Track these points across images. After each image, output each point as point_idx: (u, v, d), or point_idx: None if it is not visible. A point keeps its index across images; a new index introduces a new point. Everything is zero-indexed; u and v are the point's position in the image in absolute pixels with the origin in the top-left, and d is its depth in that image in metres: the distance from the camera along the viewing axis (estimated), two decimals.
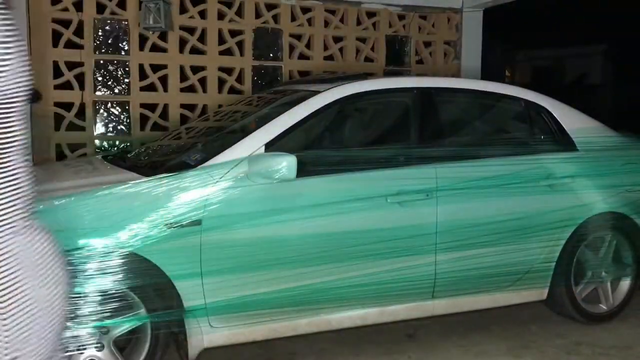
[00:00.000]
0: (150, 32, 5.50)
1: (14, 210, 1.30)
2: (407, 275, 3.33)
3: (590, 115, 4.08)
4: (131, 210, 2.81)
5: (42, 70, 5.20)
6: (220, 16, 5.80)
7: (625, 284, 4.00)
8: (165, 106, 5.68)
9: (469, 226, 3.43)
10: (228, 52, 5.88)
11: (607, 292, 3.96)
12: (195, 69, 5.76)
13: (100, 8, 5.40)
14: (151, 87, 5.63)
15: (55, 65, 5.28)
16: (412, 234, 3.31)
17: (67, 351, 2.76)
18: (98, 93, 5.47)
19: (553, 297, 3.78)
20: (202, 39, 5.75)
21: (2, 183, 1.28)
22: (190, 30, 5.71)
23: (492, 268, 3.52)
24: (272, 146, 3.10)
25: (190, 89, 5.75)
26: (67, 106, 5.37)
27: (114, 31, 5.47)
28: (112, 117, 5.54)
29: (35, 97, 4.66)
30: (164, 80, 5.65)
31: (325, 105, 3.31)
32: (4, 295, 1.27)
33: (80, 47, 5.32)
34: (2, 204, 1.28)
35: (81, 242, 2.73)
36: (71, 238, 2.72)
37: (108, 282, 2.76)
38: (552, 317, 4.00)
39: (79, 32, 5.30)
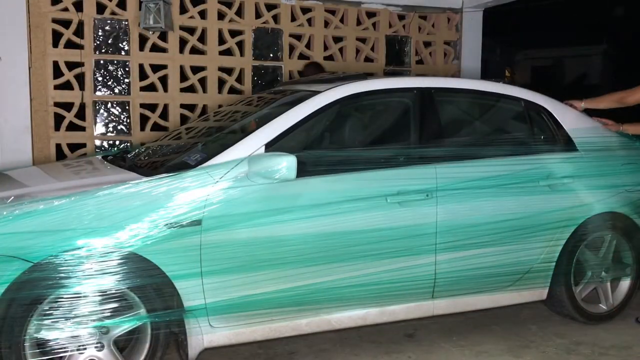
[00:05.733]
0: (150, 32, 5.51)
1: None
2: (407, 275, 3.33)
3: (590, 115, 4.08)
4: (131, 210, 2.81)
5: (42, 70, 5.21)
6: (220, 16, 5.81)
7: (625, 284, 4.00)
8: (165, 106, 5.69)
9: (468, 226, 3.43)
10: (228, 52, 5.89)
11: (607, 292, 3.97)
12: (195, 69, 5.76)
13: (100, 8, 5.41)
14: (151, 87, 5.63)
15: (55, 65, 5.29)
16: (412, 234, 3.31)
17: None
18: (98, 93, 5.47)
19: (553, 297, 3.78)
20: (202, 39, 5.76)
21: None
22: (190, 30, 5.72)
23: (492, 268, 3.52)
24: (272, 146, 3.10)
25: (190, 89, 5.76)
26: (67, 106, 5.37)
27: (114, 31, 5.48)
28: (112, 117, 5.54)
29: None
30: (164, 80, 5.66)
31: (325, 105, 3.31)
32: None
33: (80, 47, 5.32)
34: None
35: (81, 242, 2.73)
36: (71, 238, 2.72)
37: (108, 282, 2.76)
38: (552, 317, 4.00)
39: (79, 32, 5.31)
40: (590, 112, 4.08)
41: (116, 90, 5.53)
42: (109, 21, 5.44)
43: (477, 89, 3.84)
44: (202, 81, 5.78)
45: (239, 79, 5.95)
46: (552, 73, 20.28)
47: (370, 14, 6.42)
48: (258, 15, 5.95)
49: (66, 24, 5.31)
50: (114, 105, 5.54)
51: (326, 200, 3.13)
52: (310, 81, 3.88)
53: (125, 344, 2.98)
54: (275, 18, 6.02)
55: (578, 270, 3.86)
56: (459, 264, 3.43)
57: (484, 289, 3.57)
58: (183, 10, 5.67)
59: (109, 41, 5.48)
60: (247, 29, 5.90)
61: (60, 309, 2.72)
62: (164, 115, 5.69)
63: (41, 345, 2.75)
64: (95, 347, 2.83)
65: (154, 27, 5.32)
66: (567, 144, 3.83)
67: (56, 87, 5.32)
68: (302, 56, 6.17)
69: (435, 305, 3.48)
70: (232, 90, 5.90)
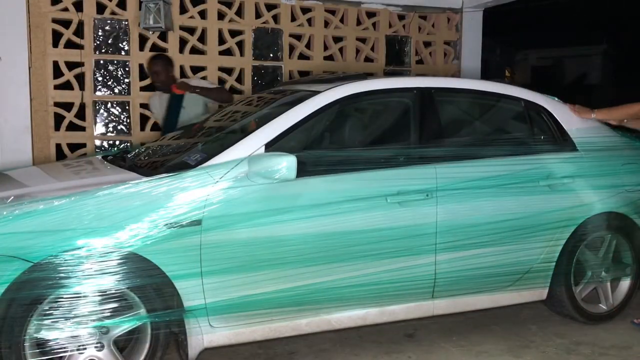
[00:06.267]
0: (150, 32, 5.51)
1: None
2: (407, 275, 3.33)
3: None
4: (131, 210, 2.81)
5: (42, 70, 5.21)
6: (220, 16, 5.81)
7: (625, 284, 4.00)
8: None
9: (468, 226, 3.43)
10: (228, 52, 5.89)
11: (607, 292, 3.97)
12: (195, 69, 5.76)
13: (100, 8, 5.41)
14: (151, 87, 5.63)
15: (55, 65, 5.29)
16: (412, 234, 3.31)
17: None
18: (98, 93, 5.47)
19: (553, 297, 3.78)
20: (202, 39, 5.75)
21: None
22: (190, 30, 5.72)
23: (492, 268, 3.52)
24: (272, 146, 3.11)
25: None
26: (67, 106, 5.37)
27: (114, 31, 5.48)
28: (112, 117, 5.54)
29: None
30: None
31: (325, 105, 3.31)
32: None
33: (80, 47, 5.32)
34: None
35: (81, 242, 2.73)
36: (71, 238, 2.72)
37: (108, 282, 2.76)
38: (552, 317, 4.00)
39: (79, 32, 5.31)
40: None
41: (116, 90, 5.53)
42: (109, 21, 5.44)
43: (477, 89, 3.84)
44: None
45: (239, 79, 5.95)
46: (552, 73, 20.29)
47: (370, 14, 6.42)
48: (258, 15, 5.96)
49: (66, 24, 5.31)
50: (114, 105, 5.54)
51: (326, 200, 3.13)
52: (310, 81, 3.89)
53: (125, 344, 2.98)
54: (275, 18, 6.02)
55: (578, 270, 3.85)
56: (459, 264, 3.43)
57: (483, 289, 3.57)
58: (183, 10, 5.67)
59: (109, 41, 5.48)
60: (247, 29, 5.90)
61: (60, 309, 2.73)
62: None
63: (41, 345, 2.75)
64: (95, 347, 2.83)
65: (154, 27, 5.32)
66: (567, 144, 3.83)
67: (56, 87, 5.32)
68: (302, 56, 6.17)
69: (435, 305, 3.48)
70: (232, 90, 5.89)
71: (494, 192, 3.49)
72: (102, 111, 5.51)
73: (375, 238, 3.22)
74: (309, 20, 6.17)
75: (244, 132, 3.25)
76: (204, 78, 5.66)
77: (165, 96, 5.03)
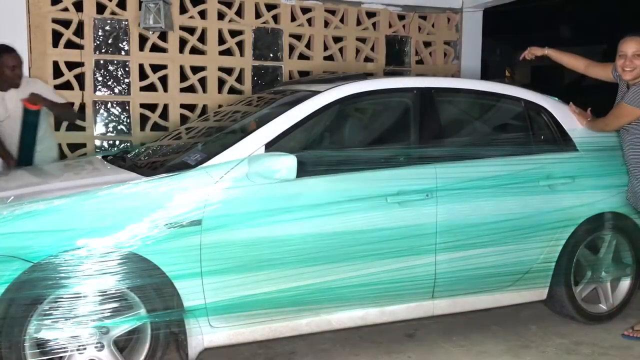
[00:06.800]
0: (150, 32, 5.51)
1: None
2: (407, 275, 3.33)
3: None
4: (131, 210, 2.81)
5: (42, 70, 5.20)
6: (220, 16, 5.81)
7: (625, 284, 4.00)
8: (165, 106, 5.69)
9: (468, 226, 3.43)
10: (228, 52, 5.89)
11: (607, 292, 3.97)
12: (195, 69, 5.76)
13: (100, 8, 5.41)
14: (151, 87, 5.63)
15: (55, 65, 5.29)
16: (412, 234, 3.31)
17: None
18: (98, 93, 5.47)
19: (553, 297, 3.78)
20: (202, 39, 5.76)
21: None
22: (190, 30, 5.72)
23: (492, 268, 3.52)
24: (272, 146, 3.11)
25: (190, 89, 5.76)
26: None
27: (114, 31, 5.48)
28: (112, 117, 5.54)
29: None
30: (164, 80, 5.65)
31: (325, 105, 3.31)
32: None
33: (80, 47, 5.32)
34: None
35: (81, 242, 2.73)
36: (71, 238, 2.72)
37: (108, 282, 2.76)
38: (552, 317, 4.00)
39: (79, 32, 5.31)
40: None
41: (116, 90, 5.52)
42: (109, 21, 5.44)
43: (477, 89, 3.84)
44: (202, 81, 5.78)
45: (239, 79, 5.95)
46: (552, 73, 20.28)
47: (370, 14, 6.42)
48: (258, 15, 5.96)
49: (66, 24, 5.31)
50: (114, 105, 5.54)
51: (326, 200, 3.13)
52: (310, 81, 3.89)
53: (125, 344, 2.98)
54: (275, 18, 6.02)
55: (578, 270, 3.86)
56: (459, 264, 3.43)
57: (484, 289, 3.57)
58: (183, 10, 5.67)
59: (109, 41, 5.48)
60: (247, 29, 5.90)
61: (60, 309, 2.73)
62: (164, 115, 5.69)
63: (41, 345, 2.75)
64: (95, 347, 2.83)
65: (154, 27, 5.32)
66: (567, 144, 3.83)
67: (56, 87, 5.31)
68: (302, 56, 6.17)
69: (435, 305, 3.48)
70: (232, 90, 5.90)
71: (494, 192, 3.49)
72: (102, 111, 5.51)
73: (375, 238, 3.22)
74: (309, 20, 6.17)
75: (244, 132, 3.25)
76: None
77: (2, 95, 4.43)
